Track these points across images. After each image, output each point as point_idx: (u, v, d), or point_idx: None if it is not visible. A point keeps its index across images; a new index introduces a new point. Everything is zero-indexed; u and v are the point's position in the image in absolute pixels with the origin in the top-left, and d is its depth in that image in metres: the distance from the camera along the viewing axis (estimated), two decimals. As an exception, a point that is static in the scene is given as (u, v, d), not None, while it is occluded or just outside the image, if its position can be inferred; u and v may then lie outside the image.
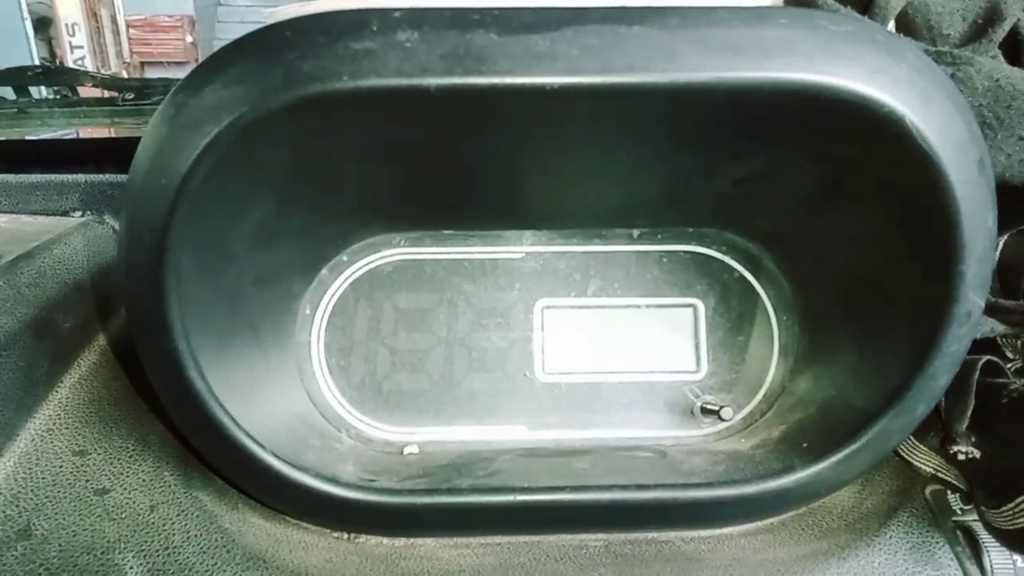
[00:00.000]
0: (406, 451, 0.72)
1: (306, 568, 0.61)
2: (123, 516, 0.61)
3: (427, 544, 0.65)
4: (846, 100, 0.49)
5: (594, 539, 0.66)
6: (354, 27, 0.48)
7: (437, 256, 0.76)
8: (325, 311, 0.73)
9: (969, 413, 0.62)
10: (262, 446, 0.59)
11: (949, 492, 0.68)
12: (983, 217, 0.53)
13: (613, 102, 0.50)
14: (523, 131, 0.55)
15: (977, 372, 0.63)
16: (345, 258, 0.73)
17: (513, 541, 0.66)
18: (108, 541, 0.59)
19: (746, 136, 0.56)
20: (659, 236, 0.76)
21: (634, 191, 0.67)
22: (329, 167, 0.58)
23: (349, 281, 0.74)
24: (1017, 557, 0.63)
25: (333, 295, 0.73)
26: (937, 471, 0.67)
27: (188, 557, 0.60)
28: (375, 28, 0.48)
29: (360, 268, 0.74)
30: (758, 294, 0.76)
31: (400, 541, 0.65)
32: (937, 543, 0.65)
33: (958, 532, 0.66)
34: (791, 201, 0.65)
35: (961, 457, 0.62)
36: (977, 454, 0.62)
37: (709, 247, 0.76)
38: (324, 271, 0.72)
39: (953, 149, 0.50)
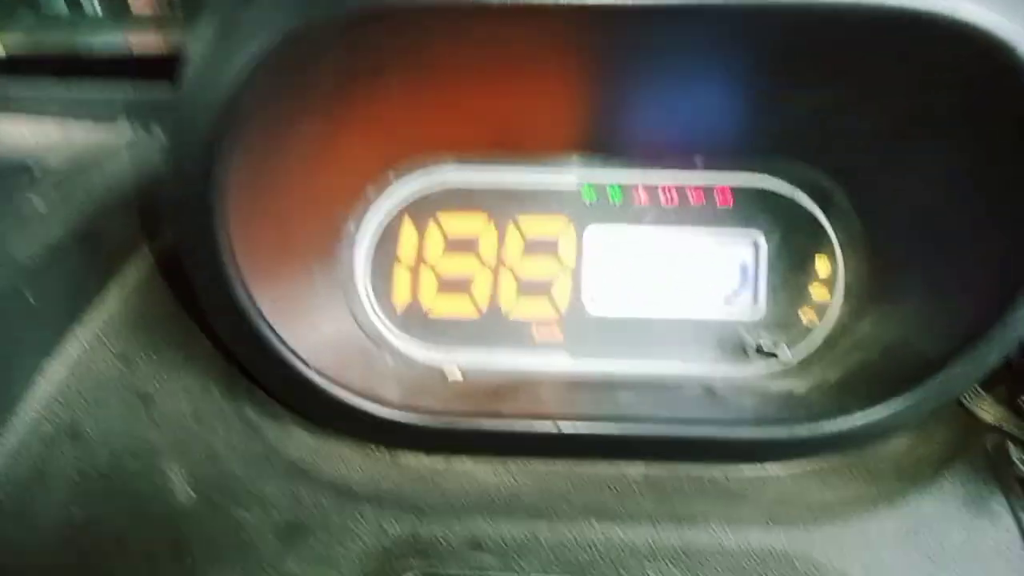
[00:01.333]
0: (450, 378, 0.71)
1: (346, 482, 0.62)
2: (167, 423, 0.62)
3: (465, 464, 0.65)
4: (948, 26, 0.44)
5: (634, 470, 0.65)
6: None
7: (486, 179, 0.73)
8: (369, 229, 0.72)
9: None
10: (306, 363, 0.59)
11: (1011, 445, 0.65)
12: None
13: (690, 24, 0.46)
14: (588, 54, 0.51)
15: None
16: (392, 176, 0.71)
17: (552, 467, 0.65)
18: (153, 447, 0.60)
19: (832, 64, 0.51)
20: (724, 165, 0.72)
21: (701, 117, 0.63)
22: (379, 85, 0.55)
23: (395, 200, 0.72)
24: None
25: (378, 213, 0.72)
26: (1000, 422, 0.64)
27: (231, 466, 0.61)
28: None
29: (407, 188, 0.72)
30: (825, 230, 0.72)
31: (439, 460, 0.65)
32: (993, 495, 0.62)
33: (1016, 484, 0.63)
34: (871, 133, 0.60)
35: (1029, 409, 0.59)
36: (1048, 403, 0.59)
37: (777, 177, 0.72)
38: (369, 187, 0.71)
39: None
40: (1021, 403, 0.59)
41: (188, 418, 0.62)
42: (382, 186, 0.71)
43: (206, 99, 0.49)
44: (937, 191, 0.60)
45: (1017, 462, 0.65)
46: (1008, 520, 0.61)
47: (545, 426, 0.61)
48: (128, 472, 0.59)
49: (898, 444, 0.66)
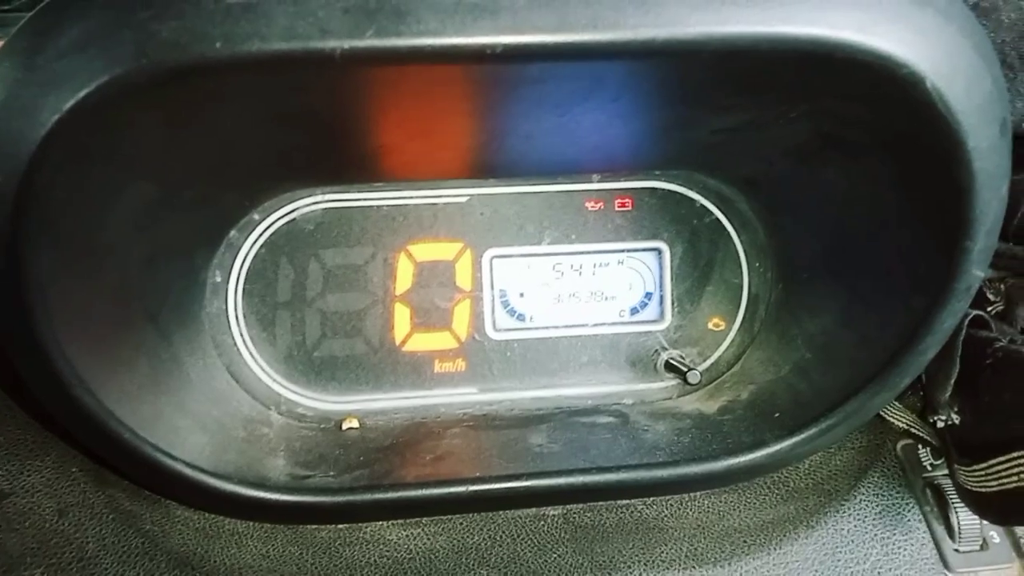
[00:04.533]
0: (345, 426, 0.65)
1: (240, 568, 0.56)
2: (26, 525, 0.54)
3: (373, 525, 0.60)
4: (859, 58, 0.39)
5: (552, 510, 0.62)
6: (227, -30, 0.35)
7: (367, 204, 0.65)
8: (239, 276, 0.63)
9: (953, 380, 0.57)
10: (172, 456, 0.51)
11: (920, 447, 0.65)
12: (998, 187, 0.45)
13: (571, 63, 0.39)
14: (456, 96, 0.44)
15: (963, 333, 0.58)
16: (256, 216, 0.62)
17: (467, 518, 0.61)
18: (12, 557, 0.53)
19: (735, 92, 0.46)
20: (623, 177, 0.67)
21: (593, 146, 0.57)
22: (213, 140, 0.47)
23: (263, 240, 0.63)
24: (985, 519, 0.61)
25: (246, 257, 0.63)
26: (910, 427, 0.64)
27: (106, 569, 0.54)
28: (255, -28, 0.35)
29: (275, 224, 0.64)
30: (729, 237, 0.68)
31: (343, 526, 0.60)
32: (907, 504, 0.62)
33: (927, 490, 0.64)
34: (777, 151, 0.56)
35: (941, 425, 0.59)
36: (958, 421, 0.58)
37: (677, 186, 0.67)
38: (233, 232, 0.62)
39: (976, 112, 0.42)
40: (931, 420, 0.58)
41: (50, 515, 0.54)
42: (247, 228, 0.62)
43: (4, 153, 0.39)
44: (847, 210, 0.57)
45: (927, 465, 0.65)
46: (923, 532, 0.61)
47: (454, 489, 0.56)
48: None
49: (814, 455, 0.65)
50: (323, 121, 0.48)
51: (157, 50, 0.35)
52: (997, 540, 0.62)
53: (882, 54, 0.39)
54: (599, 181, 0.66)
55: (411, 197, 0.66)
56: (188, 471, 0.52)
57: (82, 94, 0.36)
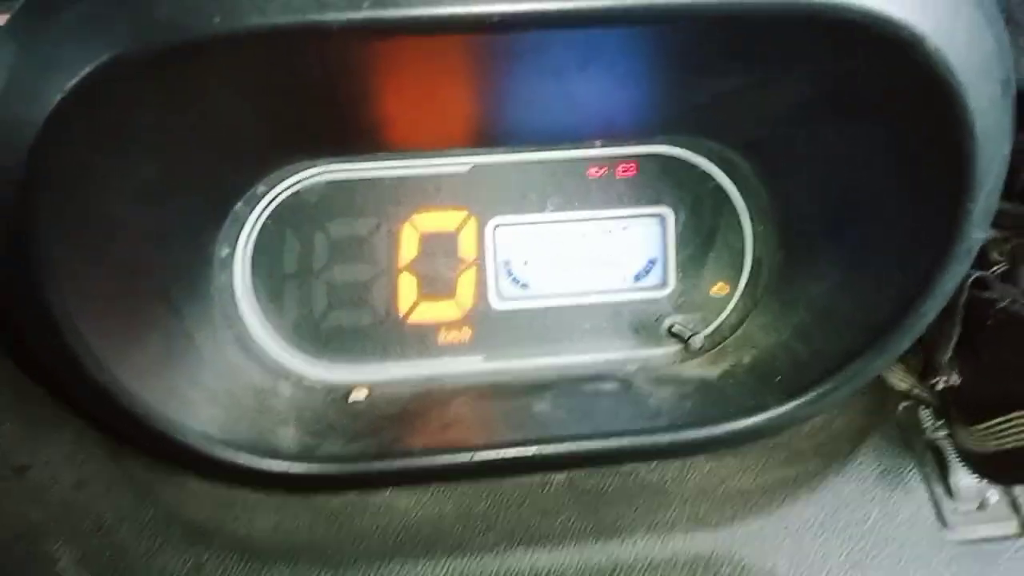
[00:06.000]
0: (352, 397, 0.66)
1: (253, 539, 0.57)
2: (46, 497, 0.55)
3: (382, 494, 0.61)
4: (858, 20, 0.39)
5: (558, 476, 0.63)
6: (222, -54, 0.35)
7: (370, 175, 0.66)
8: (246, 249, 0.64)
9: (954, 342, 0.58)
10: (186, 430, 0.53)
11: (920, 408, 0.66)
12: (1000, 146, 0.45)
13: (569, 30, 0.39)
14: (455, 64, 0.44)
15: (964, 294, 0.58)
16: (261, 189, 0.63)
17: (473, 485, 0.62)
18: (34, 527, 0.54)
19: (734, 57, 0.46)
20: (625, 142, 0.66)
21: (594, 112, 0.57)
22: (216, 115, 0.47)
23: (268, 213, 0.64)
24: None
25: (252, 230, 0.64)
26: (911, 388, 0.64)
27: (123, 538, 0.56)
28: (251, -54, 0.35)
29: (280, 196, 0.64)
30: (732, 201, 0.68)
31: (352, 494, 0.61)
32: (906, 465, 0.63)
33: (928, 452, 0.64)
34: (776, 112, 0.56)
35: (942, 386, 0.59)
36: (958, 382, 0.59)
37: (681, 150, 0.67)
38: (238, 205, 0.62)
39: (977, 71, 0.42)
40: (931, 382, 0.59)
41: (68, 487, 0.55)
42: (252, 201, 0.63)
43: (8, 137, 0.40)
44: (848, 171, 0.57)
45: (927, 427, 0.66)
46: (922, 492, 0.62)
47: (460, 457, 0.57)
48: (16, 559, 0.53)
49: (815, 418, 0.66)
50: (324, 94, 0.48)
51: (155, 28, 0.36)
52: (995, 499, 0.63)
53: (881, 15, 0.39)
54: (601, 147, 0.66)
55: (414, 167, 0.66)
56: (201, 443, 0.53)
57: (83, 74, 0.37)
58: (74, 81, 0.37)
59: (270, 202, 0.64)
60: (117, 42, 0.36)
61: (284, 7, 0.35)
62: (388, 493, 0.61)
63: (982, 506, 0.63)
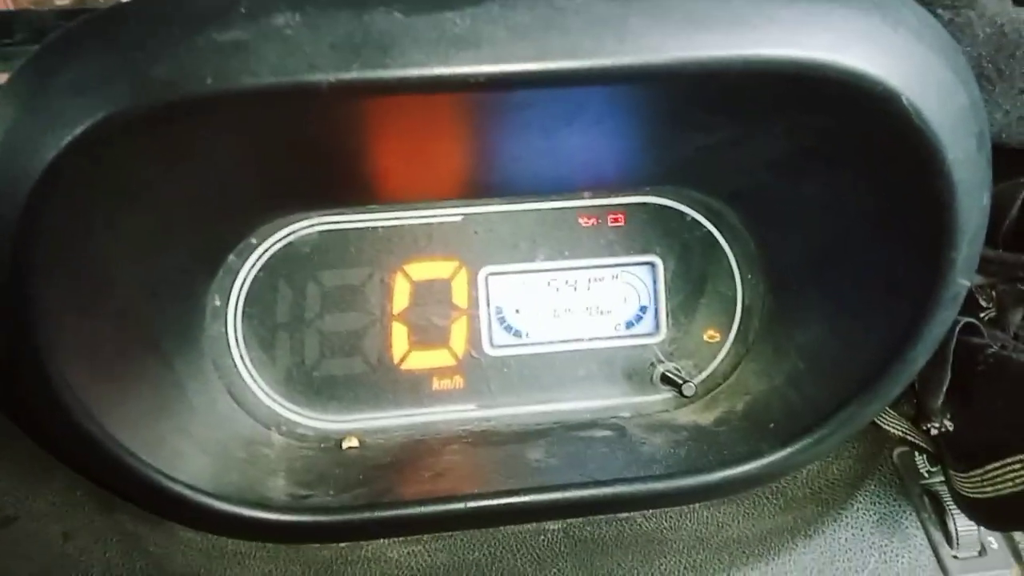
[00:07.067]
0: (344, 444, 0.66)
1: None
2: (33, 549, 0.55)
3: (374, 543, 0.61)
4: (833, 77, 0.40)
5: (552, 525, 0.63)
6: (217, 10, 0.37)
7: (363, 225, 0.66)
8: (238, 299, 0.64)
9: (945, 388, 0.58)
10: (174, 479, 0.52)
11: (916, 454, 0.66)
12: (979, 197, 0.46)
13: (553, 89, 0.40)
14: (445, 119, 0.45)
15: (954, 340, 0.58)
16: (254, 240, 0.63)
17: (467, 534, 0.62)
18: None
19: (714, 112, 0.47)
20: (614, 192, 0.67)
21: (582, 164, 0.58)
22: (210, 171, 0.48)
23: (261, 263, 0.64)
24: (982, 524, 0.61)
25: (245, 281, 0.64)
26: (906, 435, 0.64)
27: None
28: (244, 11, 0.37)
29: (273, 247, 0.65)
30: (720, 249, 0.69)
31: (345, 545, 0.61)
32: (904, 511, 0.63)
33: (924, 497, 0.64)
34: (759, 164, 0.57)
35: (935, 432, 0.59)
36: (951, 427, 0.59)
37: (668, 200, 0.68)
38: (231, 257, 0.63)
39: (952, 126, 0.43)
40: (923, 428, 0.59)
41: (56, 539, 0.55)
42: (245, 252, 0.63)
43: (5, 189, 0.40)
44: (832, 221, 0.57)
45: (923, 473, 0.66)
46: (921, 539, 0.62)
47: (453, 506, 0.57)
48: None
49: (811, 465, 0.66)
50: (316, 150, 0.49)
51: (151, 88, 0.37)
52: (995, 546, 0.62)
53: (856, 72, 0.40)
54: (590, 197, 0.67)
55: (406, 218, 0.67)
56: (191, 493, 0.53)
57: (79, 131, 0.38)
58: (71, 137, 0.38)
59: (263, 253, 0.64)
60: (113, 101, 0.37)
61: (275, 68, 0.37)
62: (380, 544, 0.61)
63: (982, 552, 0.62)
